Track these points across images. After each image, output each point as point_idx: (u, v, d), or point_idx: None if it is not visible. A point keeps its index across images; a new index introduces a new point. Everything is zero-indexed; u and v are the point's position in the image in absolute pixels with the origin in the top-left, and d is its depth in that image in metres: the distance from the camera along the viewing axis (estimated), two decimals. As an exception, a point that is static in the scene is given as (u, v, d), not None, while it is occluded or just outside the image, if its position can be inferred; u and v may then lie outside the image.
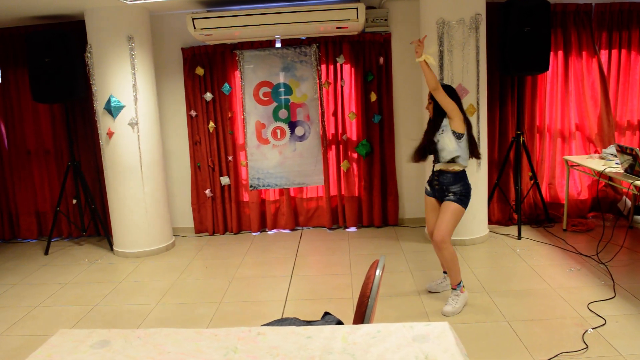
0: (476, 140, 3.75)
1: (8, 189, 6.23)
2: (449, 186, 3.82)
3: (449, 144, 3.73)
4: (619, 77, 5.68)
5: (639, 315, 3.55)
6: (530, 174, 5.68)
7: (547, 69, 5.16)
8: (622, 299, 3.81)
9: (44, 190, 6.21)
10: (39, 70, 5.23)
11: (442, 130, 3.76)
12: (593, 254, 4.73)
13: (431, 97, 3.80)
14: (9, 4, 4.78)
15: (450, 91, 3.77)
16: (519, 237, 5.34)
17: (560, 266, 4.56)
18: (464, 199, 3.82)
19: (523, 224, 5.69)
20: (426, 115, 4.44)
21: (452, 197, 3.81)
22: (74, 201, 6.01)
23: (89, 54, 5.25)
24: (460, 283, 3.88)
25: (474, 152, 3.81)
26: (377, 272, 2.17)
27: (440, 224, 3.81)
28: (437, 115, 3.80)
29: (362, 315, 2.14)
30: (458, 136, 3.72)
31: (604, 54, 5.64)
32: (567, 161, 5.44)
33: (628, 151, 4.23)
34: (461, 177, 3.81)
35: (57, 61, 5.21)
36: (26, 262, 5.51)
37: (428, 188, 4.06)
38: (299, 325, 2.22)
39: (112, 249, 5.67)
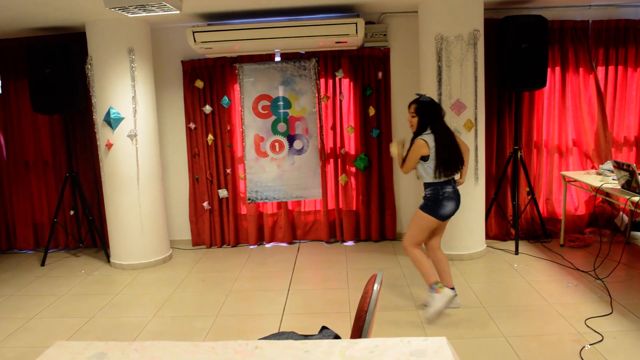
0: (446, 161, 3.86)
1: (5, 199, 6.23)
2: (425, 192, 4.02)
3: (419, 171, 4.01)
4: (615, 93, 5.72)
5: (636, 331, 3.54)
6: (527, 189, 5.70)
7: (544, 84, 5.20)
8: (620, 315, 3.81)
9: (42, 201, 6.20)
10: (40, 81, 5.26)
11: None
12: (590, 270, 4.73)
13: (415, 111, 3.94)
14: (10, 15, 4.81)
15: (432, 107, 3.93)
16: (517, 253, 5.35)
17: (558, 282, 4.56)
18: (429, 205, 3.95)
19: (520, 239, 5.70)
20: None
21: (421, 204, 4.02)
22: (72, 212, 6.00)
23: (89, 66, 5.28)
24: (434, 284, 3.92)
25: (437, 171, 3.88)
26: (375, 286, 2.17)
27: (408, 229, 4.06)
28: (415, 134, 3.99)
29: (359, 330, 2.14)
30: (423, 159, 3.91)
31: (600, 71, 5.69)
32: (564, 177, 5.46)
33: (625, 167, 4.25)
34: (429, 186, 3.96)
35: (58, 72, 5.24)
36: (22, 273, 5.49)
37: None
38: (297, 340, 2.21)
39: (109, 261, 5.65)
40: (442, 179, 3.89)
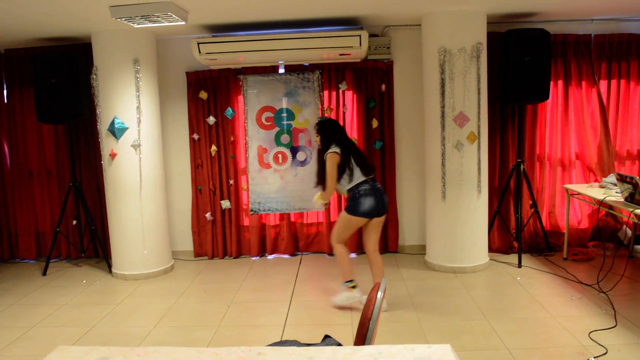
0: (355, 160, 4.33)
1: (8, 208, 6.23)
2: (349, 195, 4.39)
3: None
4: (618, 107, 5.74)
5: (641, 344, 3.52)
6: (530, 202, 5.69)
7: (547, 97, 5.22)
8: (624, 328, 3.78)
9: (45, 211, 6.21)
10: (45, 91, 5.29)
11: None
12: (594, 283, 4.71)
13: (317, 131, 4.46)
14: (18, 25, 4.85)
15: (330, 124, 4.50)
16: (520, 266, 5.32)
17: (561, 295, 4.53)
18: (349, 205, 4.33)
19: (523, 252, 5.68)
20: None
21: (346, 206, 4.40)
22: (74, 222, 6.00)
23: (94, 76, 5.31)
24: (348, 282, 4.40)
25: (349, 172, 4.33)
26: (379, 294, 2.16)
27: (334, 227, 4.48)
28: (321, 152, 4.46)
29: (363, 337, 2.12)
30: (340, 170, 4.35)
31: (603, 84, 5.71)
32: (567, 190, 5.46)
33: (628, 180, 4.25)
34: (351, 190, 4.34)
35: (63, 82, 5.27)
36: (24, 282, 5.48)
37: None
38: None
39: (110, 271, 5.64)
40: (358, 181, 4.29)
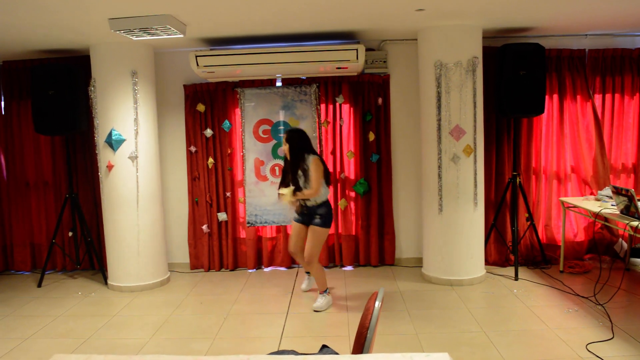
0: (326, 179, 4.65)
1: (4, 220, 6.21)
2: (316, 209, 4.62)
3: (306, 188, 4.59)
4: (613, 120, 5.79)
5: (638, 356, 3.51)
6: (526, 215, 5.71)
7: (542, 111, 5.26)
8: (621, 340, 3.78)
9: (40, 222, 6.18)
10: (43, 102, 5.30)
11: (301, 175, 4.58)
12: (590, 296, 4.71)
13: (286, 140, 4.63)
14: (16, 36, 4.87)
15: (299, 134, 4.68)
16: (516, 278, 5.33)
17: (558, 307, 4.54)
18: (324, 219, 4.62)
19: (520, 265, 5.68)
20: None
21: (317, 221, 4.61)
22: (70, 234, 5.98)
23: (92, 88, 5.34)
24: (326, 290, 4.79)
25: (326, 186, 4.68)
26: (377, 303, 2.16)
27: (309, 245, 4.66)
28: (294, 159, 4.62)
29: (361, 347, 2.12)
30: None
31: (598, 98, 5.76)
32: (563, 202, 5.48)
33: (624, 192, 4.28)
34: (324, 203, 4.64)
35: (61, 94, 5.29)
36: (19, 293, 5.44)
37: (297, 215, 4.84)
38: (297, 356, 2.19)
39: (106, 283, 5.61)
40: (328, 193, 4.70)
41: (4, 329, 4.47)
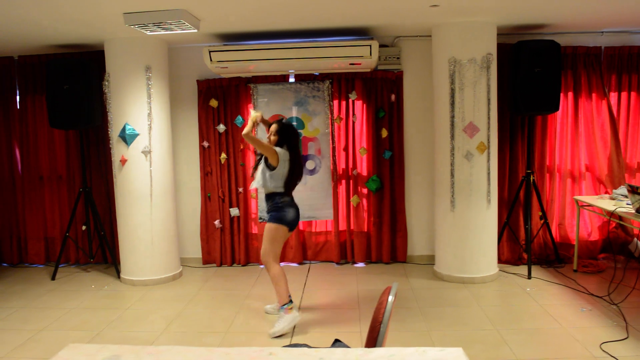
0: (296, 176, 4.32)
1: (19, 213, 6.27)
2: (271, 206, 4.29)
3: (260, 175, 4.30)
4: (628, 119, 5.73)
5: (653, 356, 3.48)
6: (540, 213, 5.67)
7: (557, 109, 5.22)
8: (636, 340, 3.74)
9: (54, 216, 6.24)
10: (57, 97, 5.34)
11: (260, 162, 4.34)
12: (605, 295, 4.67)
13: (276, 131, 4.31)
14: (31, 32, 4.92)
15: (290, 129, 4.37)
16: (529, 277, 5.29)
17: (572, 306, 4.50)
18: (275, 215, 4.24)
19: (533, 263, 5.64)
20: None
21: (267, 217, 4.31)
22: (84, 227, 6.03)
23: (106, 82, 5.37)
24: (286, 304, 4.15)
25: (287, 183, 4.27)
26: (390, 298, 2.16)
27: (263, 245, 4.28)
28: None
29: (374, 341, 2.11)
30: (269, 167, 4.24)
31: (613, 96, 5.70)
32: (577, 201, 5.43)
33: (639, 191, 4.23)
34: (271, 198, 4.28)
35: (76, 88, 5.32)
36: (33, 286, 5.50)
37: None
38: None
39: (119, 277, 5.65)
40: (283, 190, 4.24)
41: (19, 321, 4.52)
